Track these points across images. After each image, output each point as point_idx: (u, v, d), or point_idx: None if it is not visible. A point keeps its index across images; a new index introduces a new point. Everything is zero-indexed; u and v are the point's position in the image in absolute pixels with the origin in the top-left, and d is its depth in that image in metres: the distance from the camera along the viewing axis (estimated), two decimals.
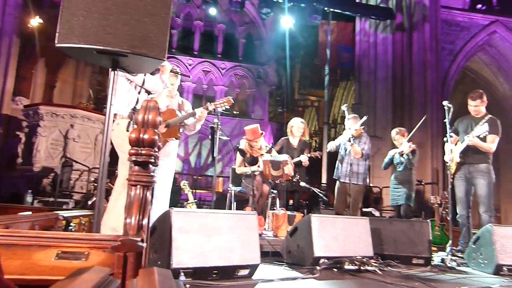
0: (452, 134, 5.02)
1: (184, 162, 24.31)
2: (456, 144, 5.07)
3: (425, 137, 11.26)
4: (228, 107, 4.25)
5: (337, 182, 5.81)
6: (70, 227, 3.75)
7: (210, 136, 4.90)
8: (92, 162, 9.08)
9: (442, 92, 12.81)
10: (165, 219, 2.65)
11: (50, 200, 7.64)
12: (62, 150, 8.90)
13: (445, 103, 4.87)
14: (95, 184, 6.60)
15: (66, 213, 3.83)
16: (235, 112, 24.28)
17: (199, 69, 23.84)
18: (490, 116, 4.96)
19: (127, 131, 2.76)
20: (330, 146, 5.96)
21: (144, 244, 1.48)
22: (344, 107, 5.64)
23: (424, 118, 6.50)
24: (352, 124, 5.68)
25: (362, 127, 5.74)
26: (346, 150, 5.66)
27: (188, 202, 5.60)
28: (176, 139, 3.93)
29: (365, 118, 5.69)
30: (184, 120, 3.98)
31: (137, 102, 2.99)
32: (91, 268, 1.23)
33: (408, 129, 6.46)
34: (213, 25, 23.95)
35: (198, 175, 22.26)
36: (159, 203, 3.47)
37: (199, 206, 5.78)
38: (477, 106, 4.97)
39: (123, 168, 3.19)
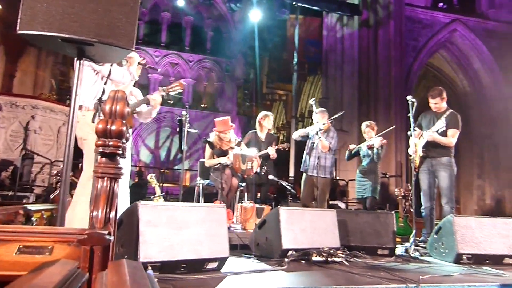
0: (416, 128, 5.19)
1: (153, 155, 24.00)
2: (419, 138, 5.22)
3: (389, 131, 11.56)
4: (181, 91, 4.19)
5: (304, 175, 5.87)
6: (31, 221, 3.62)
7: (178, 129, 4.83)
8: (55, 154, 8.80)
9: (406, 87, 13.14)
10: (132, 212, 2.60)
11: (9, 194, 7.36)
12: (22, 142, 8.57)
13: (409, 98, 5.00)
14: (58, 178, 6.40)
15: (32, 207, 3.70)
16: (203, 106, 24.13)
17: (166, 61, 23.52)
18: (451, 111, 5.14)
19: (93, 122, 2.68)
20: (297, 134, 6.06)
21: (112, 238, 1.44)
22: (311, 101, 5.71)
23: (392, 128, 6.70)
24: (320, 119, 5.74)
25: (330, 121, 5.81)
26: (314, 144, 5.72)
27: (155, 195, 5.53)
28: (130, 127, 3.85)
29: (341, 113, 5.83)
30: (137, 108, 3.89)
31: (103, 93, 2.91)
32: (57, 261, 1.19)
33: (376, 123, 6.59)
34: (181, 17, 23.63)
35: (165, 168, 22.05)
36: (120, 197, 3.38)
37: (166, 199, 5.70)
38: (437, 104, 5.14)
39: (88, 162, 3.10)
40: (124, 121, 1.61)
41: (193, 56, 24.13)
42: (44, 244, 1.43)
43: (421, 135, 5.20)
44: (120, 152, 1.59)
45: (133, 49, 2.12)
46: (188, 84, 23.17)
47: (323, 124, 5.64)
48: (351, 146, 6.28)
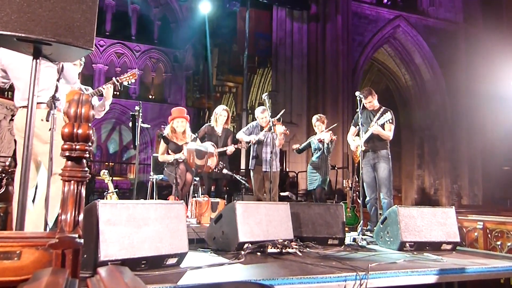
0: (352, 126, 5.69)
1: (97, 148, 23.31)
2: (356, 135, 5.55)
3: (337, 124, 11.97)
4: (134, 81, 4.20)
5: (254, 169, 6.01)
6: None
7: (131, 124, 4.78)
8: None
9: (353, 81, 13.64)
10: (91, 211, 2.59)
11: None
12: None
13: (357, 93, 5.28)
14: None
15: None
16: (150, 97, 23.67)
17: (111, 51, 22.81)
18: (384, 108, 5.48)
19: (47, 121, 2.63)
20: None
21: (82, 241, 1.48)
22: (264, 96, 5.82)
23: (336, 124, 7.10)
24: (260, 114, 5.94)
25: (277, 118, 5.94)
26: (266, 139, 5.85)
27: (109, 191, 5.44)
28: None
29: (282, 111, 6.07)
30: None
31: (56, 90, 2.85)
32: (47, 270, 1.21)
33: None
34: (126, 5, 22.95)
35: (115, 162, 21.51)
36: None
37: (118, 195, 5.64)
38: (370, 102, 5.49)
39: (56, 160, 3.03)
40: (90, 124, 1.64)
41: (140, 46, 23.59)
42: (12, 249, 1.44)
43: (358, 133, 5.49)
44: (87, 155, 1.61)
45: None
46: None
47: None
48: (294, 146, 6.62)
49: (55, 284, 0.93)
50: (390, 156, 5.38)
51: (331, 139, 6.05)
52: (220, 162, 5.67)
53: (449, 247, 4.02)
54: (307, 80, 13.20)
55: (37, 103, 2.77)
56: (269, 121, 5.61)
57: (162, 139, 5.54)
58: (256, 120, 6.17)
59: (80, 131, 1.59)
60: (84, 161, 1.63)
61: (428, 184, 15.86)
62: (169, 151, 5.54)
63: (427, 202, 14.47)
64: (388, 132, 5.32)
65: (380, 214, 5.15)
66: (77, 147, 1.59)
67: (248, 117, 14.59)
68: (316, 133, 6.32)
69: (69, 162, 1.59)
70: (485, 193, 15.23)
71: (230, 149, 5.83)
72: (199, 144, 5.60)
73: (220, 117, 5.97)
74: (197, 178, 5.92)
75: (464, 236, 5.04)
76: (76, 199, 1.55)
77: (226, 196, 7.64)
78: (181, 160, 5.28)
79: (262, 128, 6.01)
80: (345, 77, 13.13)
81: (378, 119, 5.30)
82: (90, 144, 1.63)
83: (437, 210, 4.20)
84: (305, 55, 13.38)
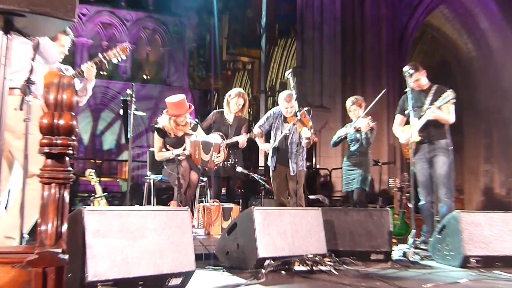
0: (398, 114, 5.59)
1: (79, 141, 23.62)
2: (404, 126, 5.49)
3: (380, 108, 11.80)
4: (124, 58, 4.23)
5: (275, 169, 5.96)
6: None
7: (122, 112, 4.84)
8: None
9: (400, 53, 13.48)
10: (75, 220, 2.64)
11: None
12: None
13: (405, 69, 5.21)
14: None
15: None
16: (145, 77, 23.79)
17: (96, 22, 22.96)
18: (437, 85, 5.38)
19: (21, 110, 2.68)
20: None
21: (66, 257, 1.51)
22: (288, 74, 5.74)
23: (383, 92, 6.73)
24: (285, 104, 5.79)
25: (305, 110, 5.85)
26: (291, 132, 5.78)
27: (95, 196, 5.52)
28: None
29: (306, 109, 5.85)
30: None
31: (31, 72, 2.90)
32: None
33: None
34: None
35: (98, 158, 21.75)
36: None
37: (108, 200, 5.71)
38: (417, 80, 5.34)
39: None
40: (73, 114, 1.67)
41: (132, 14, 23.66)
42: None
43: (405, 122, 5.42)
44: (71, 152, 1.65)
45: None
46: None
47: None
48: (341, 132, 6.29)
49: None
50: (451, 148, 5.32)
51: (370, 127, 5.96)
52: (230, 157, 5.66)
53: None
54: (341, 52, 13.09)
55: (9, 88, 2.84)
56: (296, 113, 5.47)
57: (156, 133, 5.54)
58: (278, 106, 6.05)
59: (61, 122, 1.61)
60: (67, 159, 1.66)
61: (499, 182, 15.60)
62: (167, 146, 5.56)
63: (497, 206, 14.24)
64: (448, 115, 5.24)
65: (437, 221, 5.10)
66: (59, 141, 1.62)
67: (267, 101, 14.62)
68: (352, 120, 6.25)
69: (49, 161, 1.62)
70: None
71: (242, 139, 5.77)
72: (202, 134, 5.60)
73: (232, 101, 5.88)
74: (205, 178, 5.95)
75: None
76: (58, 205, 1.59)
77: (241, 200, 7.67)
78: (183, 157, 5.28)
79: (286, 119, 5.91)
80: (389, 48, 12.99)
81: (434, 100, 5.20)
82: (74, 137, 1.66)
83: (510, 216, 4.15)
84: (339, 20, 13.25)
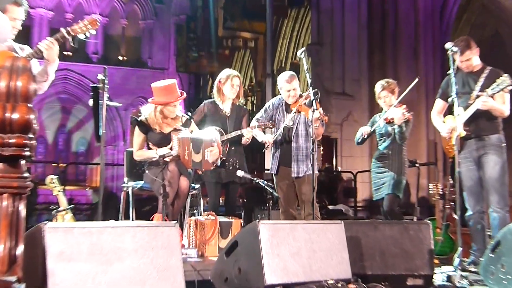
0: (439, 99, 5.61)
1: (39, 140, 23.68)
2: (446, 116, 5.47)
3: (417, 95, 11.77)
4: (94, 33, 4.23)
5: (278, 172, 5.94)
6: None
7: (91, 102, 4.82)
8: None
9: (441, 24, 13.44)
10: (34, 240, 2.63)
11: None
12: None
13: (448, 45, 5.16)
14: None
15: None
16: (121, 58, 23.80)
17: None
18: (490, 68, 5.34)
19: None
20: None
21: (22, 286, 1.50)
22: (300, 53, 5.70)
23: (416, 80, 6.56)
24: (286, 86, 5.74)
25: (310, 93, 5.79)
26: (297, 125, 5.75)
27: (59, 209, 5.51)
28: None
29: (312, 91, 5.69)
30: None
31: None
32: None
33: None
34: None
35: (62, 161, 21.77)
36: None
37: (76, 215, 5.69)
38: (468, 60, 5.32)
39: None
40: (30, 105, 1.65)
41: None
42: None
43: (448, 111, 5.41)
44: (27, 153, 1.63)
45: None
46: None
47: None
48: (364, 129, 6.16)
49: None
50: (504, 145, 5.29)
51: (406, 118, 5.91)
52: (230, 158, 5.64)
53: None
54: (367, 26, 13.09)
55: None
56: (300, 97, 5.48)
57: (137, 126, 5.50)
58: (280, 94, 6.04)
59: (15, 116, 1.60)
60: (23, 162, 1.64)
61: None
62: (150, 145, 5.52)
63: None
64: (503, 106, 5.21)
65: (490, 236, 5.07)
66: (12, 141, 1.60)
67: (274, 87, 14.57)
68: (382, 110, 6.22)
69: (0, 165, 1.61)
70: None
71: (246, 134, 5.75)
72: (196, 130, 5.55)
73: (226, 86, 5.83)
74: (197, 186, 5.93)
75: None
76: (11, 221, 1.57)
77: (243, 213, 7.66)
78: (169, 158, 5.24)
79: (288, 108, 5.88)
80: (428, 19, 12.97)
81: (486, 86, 5.17)
82: (31, 135, 1.65)
83: None
84: None
